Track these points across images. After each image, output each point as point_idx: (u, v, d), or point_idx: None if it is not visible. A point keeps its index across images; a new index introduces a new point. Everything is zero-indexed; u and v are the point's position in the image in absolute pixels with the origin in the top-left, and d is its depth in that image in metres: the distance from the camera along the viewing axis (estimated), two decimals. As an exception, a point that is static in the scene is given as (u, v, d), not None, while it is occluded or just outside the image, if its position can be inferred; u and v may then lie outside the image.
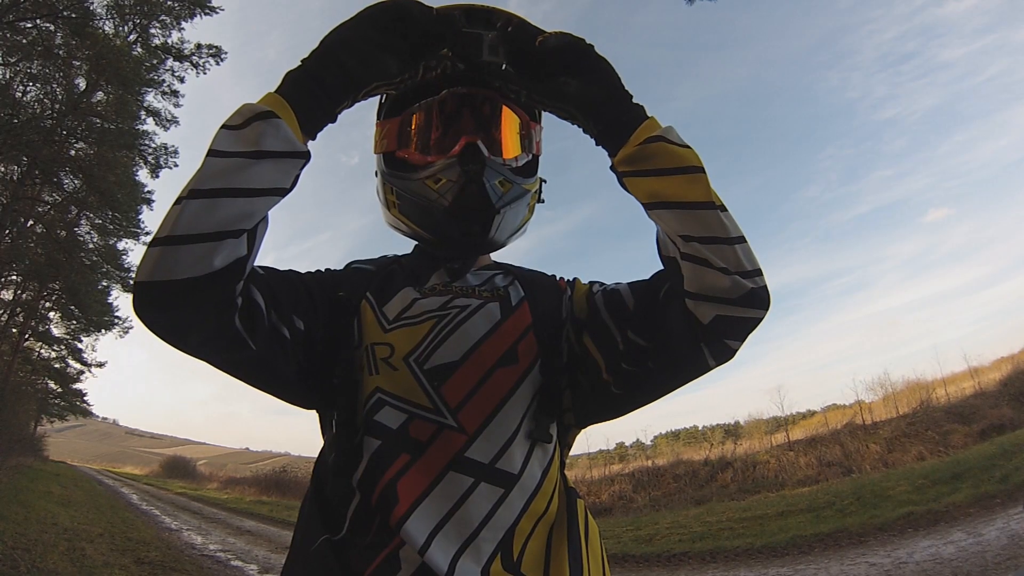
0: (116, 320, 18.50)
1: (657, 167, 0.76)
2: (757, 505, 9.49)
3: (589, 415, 0.95)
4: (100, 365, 22.59)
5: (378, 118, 1.00)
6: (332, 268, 1.01)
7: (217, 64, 15.46)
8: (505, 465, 0.80)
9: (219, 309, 0.70)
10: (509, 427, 0.82)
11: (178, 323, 0.71)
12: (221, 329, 0.72)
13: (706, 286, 0.74)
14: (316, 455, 0.92)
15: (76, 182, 15.13)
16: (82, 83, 14.39)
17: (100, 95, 14.89)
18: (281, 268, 0.89)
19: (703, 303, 0.75)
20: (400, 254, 1.07)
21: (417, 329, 0.85)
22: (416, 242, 1.04)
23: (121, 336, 19.07)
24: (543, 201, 1.04)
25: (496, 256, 1.09)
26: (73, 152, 14.71)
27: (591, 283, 1.00)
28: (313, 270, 0.97)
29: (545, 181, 1.03)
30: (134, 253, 17.42)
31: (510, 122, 0.95)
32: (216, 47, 15.47)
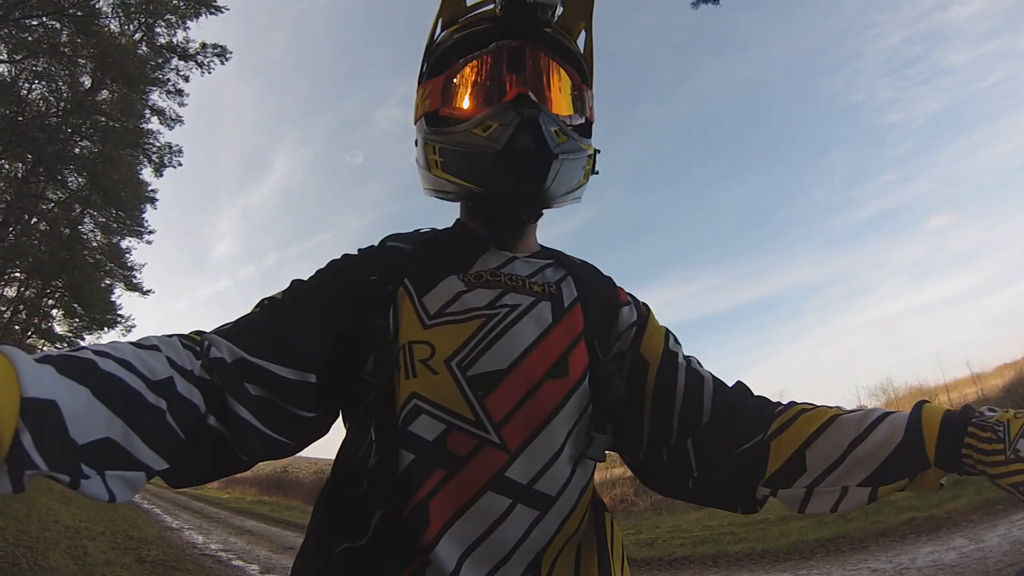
0: (119, 318, 18.51)
1: None
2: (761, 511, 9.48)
3: (618, 448, 0.89)
4: None
5: (419, 82, 0.93)
6: (361, 248, 0.91)
7: (222, 63, 15.49)
8: (544, 487, 0.74)
9: (202, 473, 0.67)
10: (553, 446, 0.75)
11: (199, 481, 0.69)
12: (230, 468, 0.68)
13: (808, 512, 0.73)
14: (320, 455, 0.86)
15: (80, 180, 15.22)
16: (87, 81, 14.46)
17: (105, 93, 14.95)
18: (273, 313, 0.76)
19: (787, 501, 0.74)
20: (440, 228, 0.98)
21: (462, 328, 0.77)
22: (458, 213, 0.96)
23: (124, 334, 19.05)
24: (597, 172, 0.94)
25: (545, 242, 1.01)
26: (77, 150, 14.78)
27: (668, 333, 0.91)
28: (332, 266, 0.87)
29: (599, 151, 0.93)
30: (137, 252, 17.52)
31: (562, 80, 0.88)
32: (221, 47, 15.50)
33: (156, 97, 15.30)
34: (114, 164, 14.29)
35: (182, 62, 15.33)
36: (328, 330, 0.76)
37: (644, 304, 0.95)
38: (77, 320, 19.54)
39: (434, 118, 0.87)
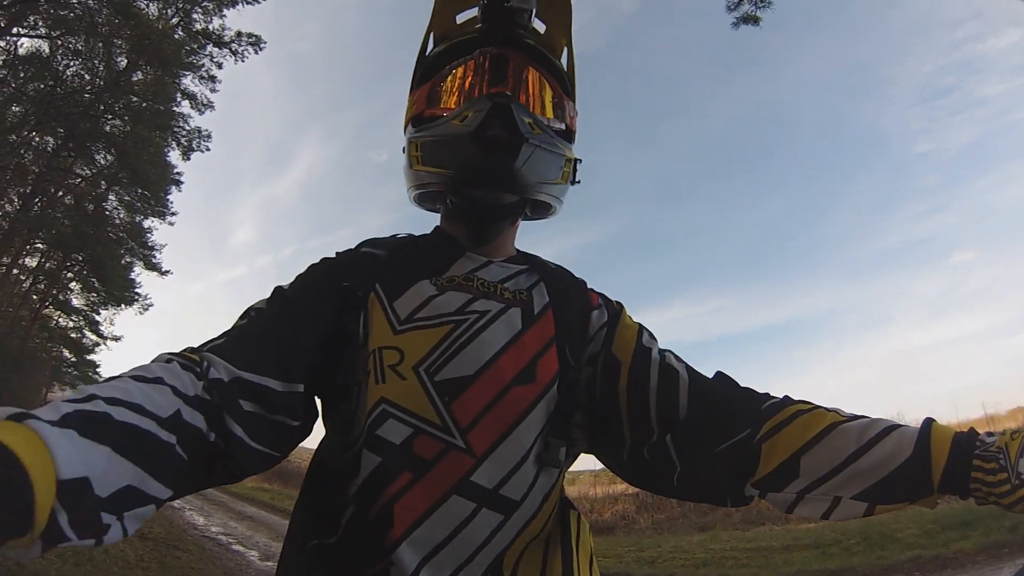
0: (136, 296, 18.73)
1: None
2: (762, 536, 9.36)
3: (597, 451, 0.89)
4: (116, 339, 22.90)
5: (411, 91, 0.95)
6: (340, 252, 0.92)
7: (256, 53, 15.69)
8: (509, 491, 0.75)
9: (196, 485, 0.66)
10: (519, 451, 0.76)
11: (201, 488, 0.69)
12: (220, 480, 0.69)
13: (800, 514, 0.73)
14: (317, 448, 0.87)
15: (109, 158, 15.44)
16: (123, 61, 14.67)
17: (139, 75, 15.16)
18: (261, 325, 0.77)
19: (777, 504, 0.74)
20: (418, 235, 0.99)
21: (430, 333, 0.78)
22: (440, 210, 0.97)
23: (141, 313, 19.29)
24: (579, 181, 0.96)
25: (555, 255, 1.02)
26: (108, 128, 15.00)
27: (642, 329, 0.90)
28: (311, 271, 0.87)
29: (580, 160, 0.95)
30: (159, 232, 17.69)
31: (542, 86, 0.91)
32: (256, 36, 15.70)
33: (188, 82, 15.50)
34: (143, 144, 14.49)
35: (216, 49, 15.54)
36: (311, 338, 0.77)
37: (617, 303, 0.95)
38: (94, 295, 19.82)
39: (420, 120, 0.90)
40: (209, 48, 15.47)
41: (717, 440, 0.77)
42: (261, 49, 15.75)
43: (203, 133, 15.62)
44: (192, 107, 15.69)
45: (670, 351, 0.88)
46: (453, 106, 0.87)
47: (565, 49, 0.96)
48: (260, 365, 0.70)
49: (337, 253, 0.91)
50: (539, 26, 0.94)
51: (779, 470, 0.73)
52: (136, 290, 18.77)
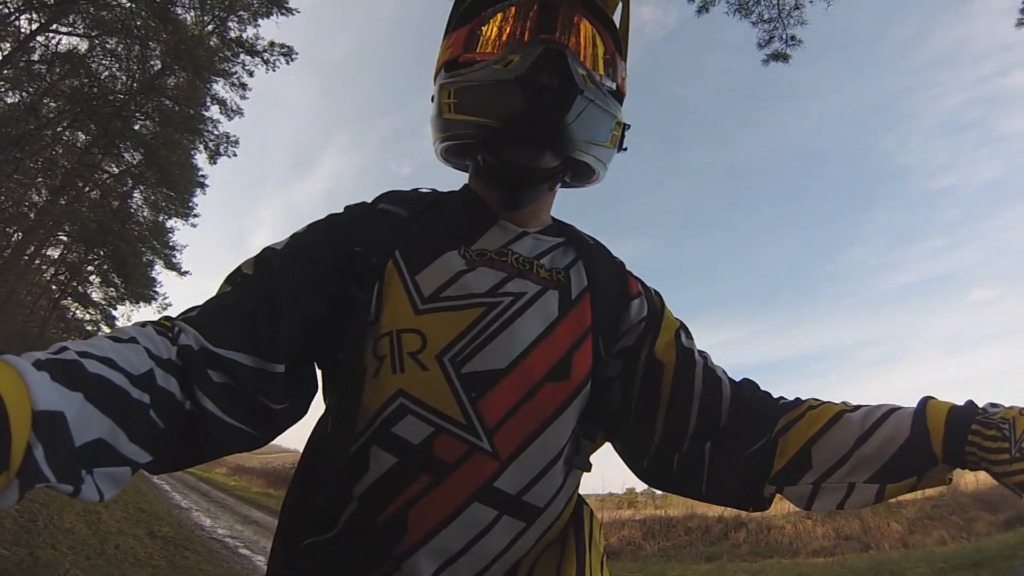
0: (155, 294, 18.94)
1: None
2: (770, 570, 9.26)
3: (618, 446, 0.85)
4: None
5: (445, 35, 0.86)
6: (349, 206, 0.83)
7: (287, 63, 15.94)
8: (532, 498, 0.70)
9: (180, 461, 0.63)
10: (547, 455, 0.70)
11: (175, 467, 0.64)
12: (201, 455, 0.64)
13: (817, 508, 0.72)
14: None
15: (137, 156, 15.72)
16: (157, 64, 14.99)
17: (172, 79, 15.47)
18: (243, 295, 0.70)
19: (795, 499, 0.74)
20: (447, 191, 0.89)
21: (459, 317, 0.71)
22: (470, 167, 0.87)
23: (160, 311, 19.45)
24: (625, 149, 0.86)
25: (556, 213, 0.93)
26: (137, 126, 15.29)
27: (683, 326, 0.86)
28: (311, 231, 0.78)
29: (628, 126, 0.86)
30: (180, 232, 17.92)
31: (596, 40, 0.81)
32: (288, 47, 15.93)
33: (219, 88, 15.77)
34: (171, 146, 14.76)
35: (249, 57, 15.84)
36: (299, 312, 0.70)
37: (656, 294, 0.89)
38: (113, 289, 20.06)
39: (454, 64, 0.81)
40: (242, 56, 15.79)
41: (747, 445, 0.76)
42: (293, 60, 16.00)
43: (231, 139, 15.87)
44: (221, 112, 15.97)
45: (707, 353, 0.84)
46: (493, 52, 0.78)
47: (620, 6, 0.89)
48: (229, 339, 0.64)
49: (347, 208, 0.82)
50: None
51: (792, 462, 0.73)
52: (156, 288, 18.96)
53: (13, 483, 0.41)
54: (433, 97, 0.83)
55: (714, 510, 15.74)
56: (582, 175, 0.85)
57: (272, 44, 15.77)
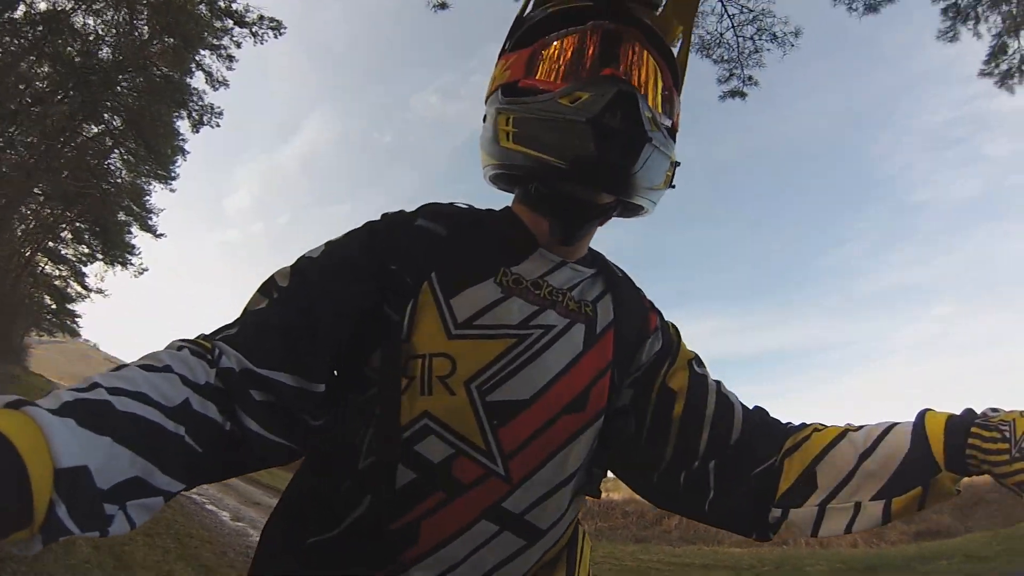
0: (131, 257, 18.92)
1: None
2: (689, 554, 10.11)
3: (620, 471, 0.87)
4: (100, 292, 23.02)
5: (502, 53, 0.86)
6: (388, 215, 0.83)
7: (275, 37, 16.04)
8: (535, 518, 0.72)
9: (214, 476, 0.63)
10: (555, 479, 0.73)
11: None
12: (239, 470, 0.66)
13: (825, 533, 0.72)
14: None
15: (117, 119, 15.68)
16: (145, 30, 14.96)
17: (157, 45, 15.43)
18: (282, 313, 0.70)
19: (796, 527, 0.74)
20: (487, 209, 0.88)
21: (489, 346, 0.72)
22: (518, 192, 0.86)
23: (135, 276, 19.41)
24: (675, 186, 0.84)
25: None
26: (119, 88, 15.24)
27: (695, 357, 0.88)
28: (349, 243, 0.79)
29: (679, 164, 0.84)
30: (157, 195, 17.84)
31: (656, 75, 0.80)
32: (277, 21, 15.97)
33: (206, 57, 15.79)
34: (155, 115, 14.84)
35: (238, 28, 15.88)
36: (338, 330, 0.71)
37: (673, 327, 0.92)
38: (84, 247, 19.92)
39: (512, 89, 0.79)
40: (231, 26, 15.81)
41: (751, 466, 0.77)
42: (281, 34, 16.11)
43: (215, 110, 15.93)
44: (207, 82, 16.03)
45: (721, 381, 0.87)
46: (554, 80, 0.77)
47: (681, 39, 0.88)
48: (272, 360, 0.65)
49: (385, 217, 0.82)
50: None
51: (798, 483, 0.73)
52: (133, 253, 18.91)
53: (37, 537, 0.41)
54: (485, 118, 0.83)
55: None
56: (632, 211, 0.84)
57: (261, 18, 15.82)
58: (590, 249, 0.90)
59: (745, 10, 7.99)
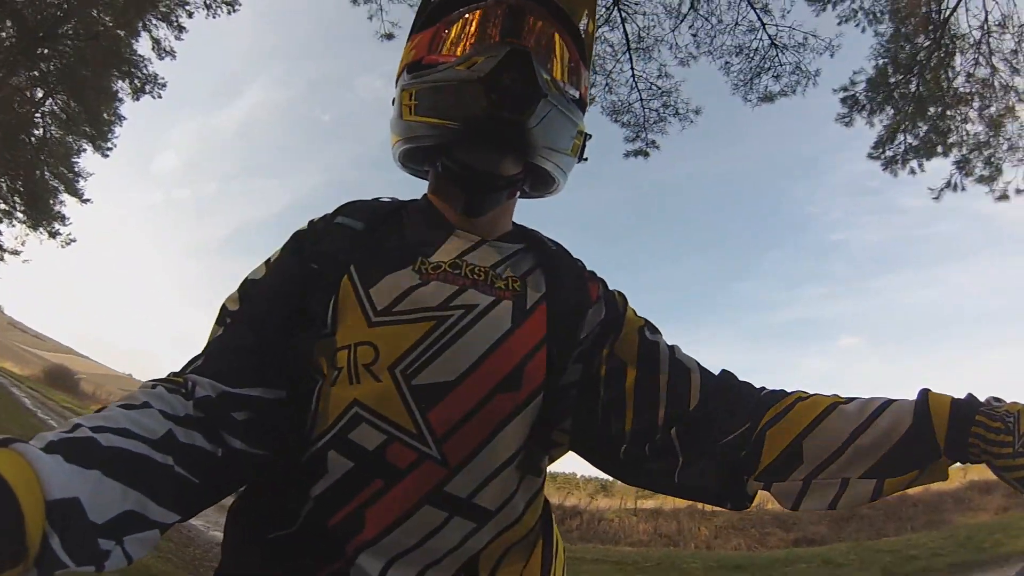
0: (59, 230, 17.70)
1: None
2: (582, 551, 10.74)
3: (585, 452, 0.83)
4: (16, 253, 21.68)
5: (410, 36, 0.88)
6: (313, 221, 0.85)
7: (229, 14, 15.81)
8: (483, 500, 0.72)
9: (207, 503, 0.65)
10: (496, 460, 0.73)
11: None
12: (228, 491, 0.70)
13: (806, 507, 0.69)
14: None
15: (53, 69, 15.02)
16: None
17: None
18: (239, 334, 0.75)
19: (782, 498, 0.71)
20: (407, 200, 0.90)
21: (409, 330, 0.72)
22: (429, 176, 0.90)
23: (62, 247, 18.05)
24: (586, 159, 0.87)
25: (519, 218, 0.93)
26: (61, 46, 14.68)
27: (646, 323, 0.86)
28: (281, 256, 0.82)
29: (590, 136, 0.87)
30: (87, 158, 17.02)
31: (560, 47, 0.82)
32: None
33: (155, 24, 15.37)
34: (95, 72, 14.40)
35: None
36: (287, 339, 0.74)
37: (619, 295, 0.90)
38: (1, 204, 18.75)
39: (417, 67, 0.82)
40: None
41: (720, 434, 0.74)
42: (235, 10, 15.96)
43: (159, 80, 15.48)
44: (154, 50, 15.61)
45: (677, 346, 0.84)
46: (458, 54, 0.78)
47: (585, 18, 0.89)
48: (243, 378, 0.68)
49: (310, 222, 0.84)
50: None
51: (782, 457, 0.71)
52: (64, 223, 17.68)
53: (31, 571, 0.42)
54: (394, 100, 0.84)
55: (558, 498, 17.29)
56: (542, 184, 0.86)
57: None
58: (518, 226, 0.91)
59: (654, 87, 8.81)
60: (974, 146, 8.03)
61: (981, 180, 8.06)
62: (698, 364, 0.82)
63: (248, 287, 0.80)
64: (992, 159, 8.05)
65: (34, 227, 17.57)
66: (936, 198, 8.37)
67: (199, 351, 0.74)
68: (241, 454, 0.66)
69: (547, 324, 0.78)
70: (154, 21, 15.06)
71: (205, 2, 15.54)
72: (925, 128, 8.24)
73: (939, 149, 8.18)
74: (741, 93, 8.61)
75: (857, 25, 8.02)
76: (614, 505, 16.80)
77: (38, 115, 16.82)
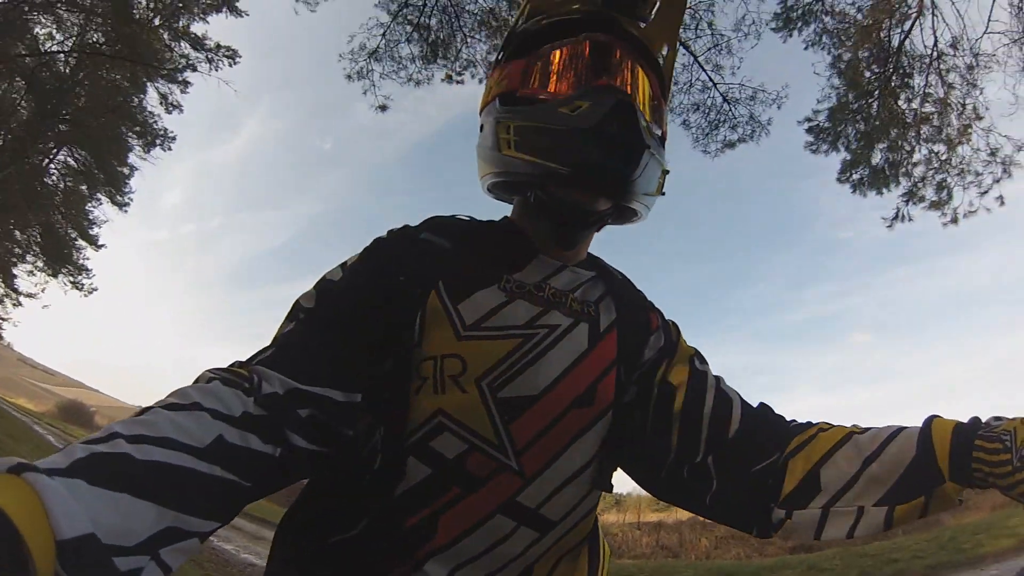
0: (75, 275, 18.03)
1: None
2: (584, 564, 11.29)
3: (629, 468, 0.88)
4: (32, 296, 21.92)
5: (496, 64, 0.90)
6: (393, 231, 0.86)
7: (230, 66, 16.41)
8: (548, 512, 0.75)
9: (253, 499, 0.62)
10: (566, 473, 0.76)
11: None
12: (278, 487, 0.66)
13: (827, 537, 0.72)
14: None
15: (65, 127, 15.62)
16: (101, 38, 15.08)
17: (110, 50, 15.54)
18: (315, 332, 0.74)
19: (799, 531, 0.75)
20: (487, 220, 0.93)
21: (497, 346, 0.75)
22: (517, 201, 0.91)
23: (85, 296, 18.31)
24: (664, 194, 0.87)
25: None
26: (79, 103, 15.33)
27: (696, 354, 0.90)
28: (362, 261, 0.82)
29: (668, 172, 0.87)
30: (103, 207, 17.48)
31: (645, 85, 0.84)
32: (233, 50, 16.37)
33: (162, 85, 15.94)
34: (106, 127, 15.06)
35: (194, 52, 16.20)
36: (365, 343, 0.74)
37: (673, 325, 0.94)
38: (16, 247, 19.08)
39: (511, 99, 0.83)
40: (187, 49, 16.09)
41: (752, 463, 0.78)
42: (236, 63, 16.63)
43: (169, 135, 16.03)
44: (161, 104, 16.12)
45: (721, 377, 0.89)
46: (556, 90, 0.80)
47: (666, 48, 0.90)
48: (316, 377, 0.68)
49: (390, 233, 0.86)
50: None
51: (801, 486, 0.74)
52: (88, 275, 17.98)
53: None
54: (483, 127, 0.86)
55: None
56: (625, 217, 0.88)
57: (219, 46, 16.13)
58: (589, 253, 0.94)
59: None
60: (921, 177, 8.44)
61: (932, 206, 8.44)
62: (739, 396, 0.86)
63: (325, 287, 0.79)
64: (943, 184, 8.41)
65: (54, 274, 18.00)
66: (889, 227, 8.78)
67: (266, 343, 0.74)
68: (302, 452, 0.65)
69: (617, 347, 0.82)
70: (160, 81, 15.74)
71: (208, 57, 16.32)
72: (880, 157, 8.63)
73: (891, 179, 8.56)
74: (702, 146, 9.12)
75: (823, 48, 8.45)
76: (620, 520, 17.24)
77: (52, 167, 17.40)
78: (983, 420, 0.67)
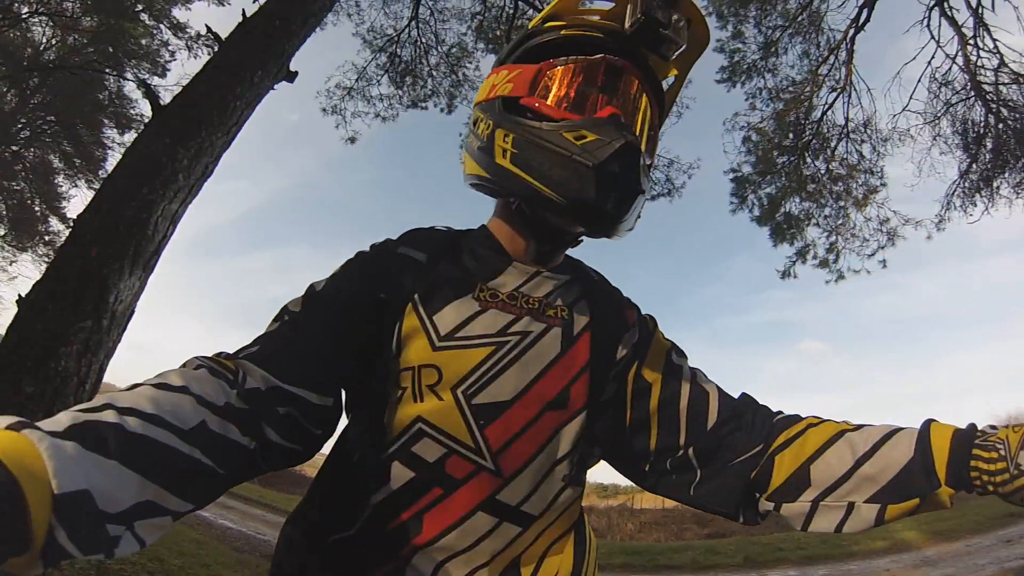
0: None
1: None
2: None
3: (613, 462, 0.92)
4: None
5: (503, 62, 0.89)
6: (375, 246, 0.88)
7: (209, 54, 16.49)
8: (530, 507, 0.79)
9: (225, 488, 0.64)
10: (543, 471, 0.80)
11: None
12: (249, 476, 0.68)
13: (816, 528, 0.74)
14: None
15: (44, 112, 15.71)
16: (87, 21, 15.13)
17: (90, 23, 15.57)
18: (298, 335, 0.76)
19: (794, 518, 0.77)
20: (465, 229, 0.93)
21: (470, 354, 0.78)
22: (498, 206, 0.92)
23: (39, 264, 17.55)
24: (639, 216, 0.85)
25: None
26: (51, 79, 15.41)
27: (673, 347, 0.93)
28: (346, 274, 0.84)
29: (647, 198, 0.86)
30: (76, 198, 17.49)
31: (647, 116, 0.84)
32: (215, 34, 16.52)
33: (139, 65, 15.85)
34: (84, 111, 15.22)
35: (175, 38, 16.28)
36: (345, 351, 0.78)
37: (650, 319, 0.96)
38: None
39: (513, 105, 0.82)
40: (167, 36, 16.27)
41: (733, 454, 0.81)
42: (215, 51, 16.89)
43: (145, 120, 16.08)
44: (139, 88, 16.24)
45: (700, 370, 0.91)
46: (560, 108, 0.79)
47: (674, 75, 0.91)
48: (298, 377, 0.71)
49: (373, 248, 0.88)
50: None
51: (791, 480, 0.76)
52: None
53: (37, 561, 0.42)
54: (477, 123, 0.86)
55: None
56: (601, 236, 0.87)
57: (199, 35, 16.20)
58: (565, 255, 0.94)
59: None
60: (808, 244, 8.97)
61: (820, 265, 8.95)
62: (717, 388, 0.88)
63: (312, 294, 0.81)
64: (833, 246, 8.91)
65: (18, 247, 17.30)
66: (782, 277, 9.26)
67: (254, 339, 0.75)
68: (275, 447, 0.68)
69: (590, 350, 0.84)
70: (135, 61, 15.78)
71: (188, 45, 16.55)
72: (781, 215, 9.06)
73: (788, 237, 9.01)
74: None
75: (761, 102, 8.84)
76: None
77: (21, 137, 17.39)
78: (978, 428, 0.68)
